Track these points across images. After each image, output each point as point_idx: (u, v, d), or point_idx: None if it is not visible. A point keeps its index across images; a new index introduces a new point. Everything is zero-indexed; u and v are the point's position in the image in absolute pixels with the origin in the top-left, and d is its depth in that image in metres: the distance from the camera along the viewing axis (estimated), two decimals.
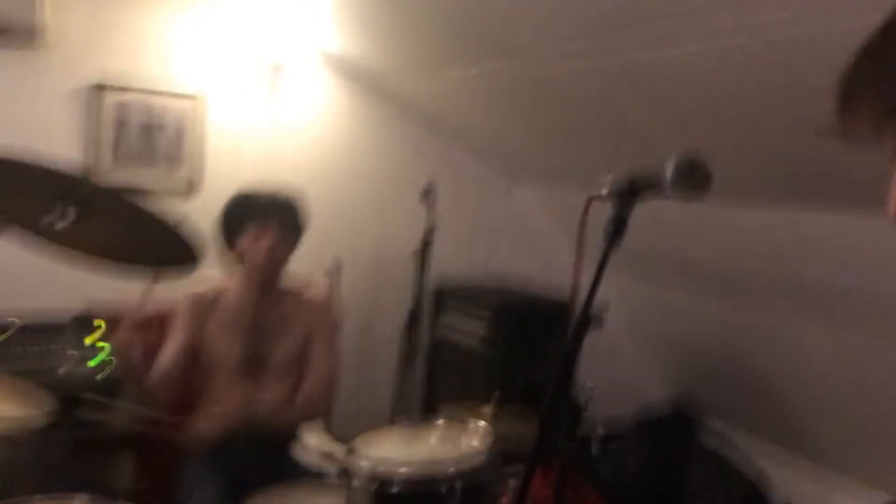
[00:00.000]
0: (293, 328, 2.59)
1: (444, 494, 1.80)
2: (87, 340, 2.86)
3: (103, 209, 1.75)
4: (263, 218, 2.46)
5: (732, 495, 3.56)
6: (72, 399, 2.48)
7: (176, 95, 3.49)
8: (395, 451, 1.95)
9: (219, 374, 2.51)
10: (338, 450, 2.30)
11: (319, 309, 2.68)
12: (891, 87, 0.57)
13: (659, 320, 4.04)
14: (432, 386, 3.97)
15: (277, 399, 2.58)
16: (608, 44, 2.27)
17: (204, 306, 2.50)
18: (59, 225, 1.73)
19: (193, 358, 2.53)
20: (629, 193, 1.47)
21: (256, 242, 2.45)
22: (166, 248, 1.95)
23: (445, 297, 3.94)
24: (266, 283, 2.52)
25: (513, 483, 2.34)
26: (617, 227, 1.48)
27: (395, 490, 1.82)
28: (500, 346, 3.18)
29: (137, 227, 1.86)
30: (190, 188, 3.55)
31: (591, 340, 1.57)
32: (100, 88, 3.34)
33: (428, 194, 3.44)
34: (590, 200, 1.54)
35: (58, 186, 1.72)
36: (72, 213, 1.74)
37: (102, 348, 2.86)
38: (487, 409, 2.77)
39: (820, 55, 1.74)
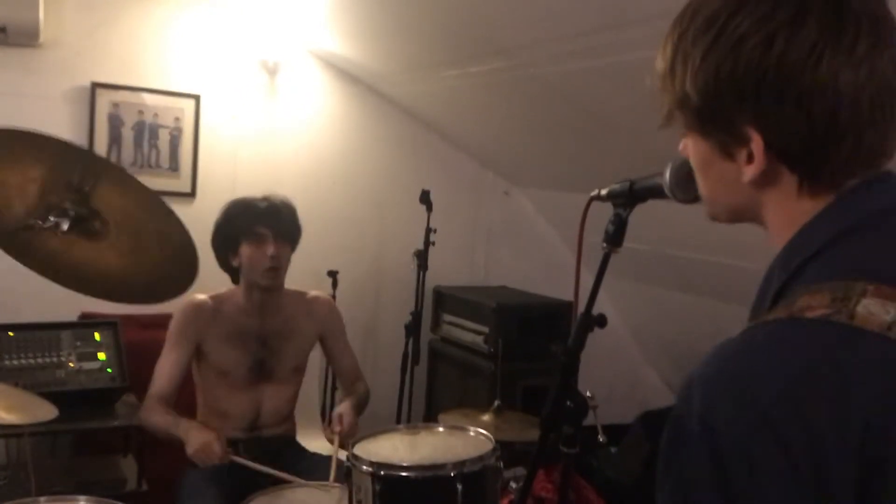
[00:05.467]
0: (301, 331, 2.59)
1: (446, 497, 1.80)
2: (87, 345, 2.87)
3: (106, 188, 1.74)
4: (263, 224, 2.44)
5: None
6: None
7: (171, 95, 3.50)
8: (397, 453, 1.96)
9: (225, 383, 2.49)
10: (339, 452, 2.31)
11: (326, 309, 2.68)
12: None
13: (659, 322, 4.04)
14: (433, 388, 3.97)
15: (283, 404, 2.59)
16: (607, 43, 2.28)
17: (204, 316, 2.47)
18: (61, 228, 1.73)
19: (192, 369, 2.53)
20: (628, 196, 1.47)
21: (258, 249, 2.43)
22: (166, 247, 1.94)
23: (446, 300, 3.94)
24: (270, 289, 2.50)
25: (514, 485, 2.35)
26: (616, 229, 1.49)
27: (396, 493, 1.83)
28: (501, 349, 3.19)
29: (137, 217, 1.85)
30: (186, 188, 3.56)
31: (592, 342, 1.58)
32: (94, 88, 3.35)
33: (426, 197, 3.45)
34: (590, 201, 1.55)
35: (64, 156, 1.71)
36: (69, 217, 1.74)
37: (102, 352, 2.87)
38: (488, 411, 2.77)
39: None
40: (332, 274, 3.53)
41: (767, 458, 0.62)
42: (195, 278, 1.94)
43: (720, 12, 0.74)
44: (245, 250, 2.44)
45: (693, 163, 0.84)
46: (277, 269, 2.44)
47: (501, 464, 1.92)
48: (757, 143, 0.74)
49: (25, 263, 1.90)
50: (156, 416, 2.37)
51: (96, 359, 2.83)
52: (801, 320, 0.67)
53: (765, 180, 0.76)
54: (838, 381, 0.63)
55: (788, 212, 0.77)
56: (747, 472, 0.63)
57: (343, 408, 2.43)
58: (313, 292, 2.70)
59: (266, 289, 2.47)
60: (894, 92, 0.72)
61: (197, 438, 2.18)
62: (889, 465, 0.61)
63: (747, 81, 0.72)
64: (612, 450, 3.60)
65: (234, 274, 2.52)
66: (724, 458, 0.64)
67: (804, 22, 0.70)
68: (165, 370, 2.43)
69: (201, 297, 2.49)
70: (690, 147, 0.83)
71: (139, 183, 1.78)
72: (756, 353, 0.68)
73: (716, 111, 0.76)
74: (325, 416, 3.46)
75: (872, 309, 0.65)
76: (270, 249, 2.42)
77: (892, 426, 0.61)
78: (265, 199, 2.50)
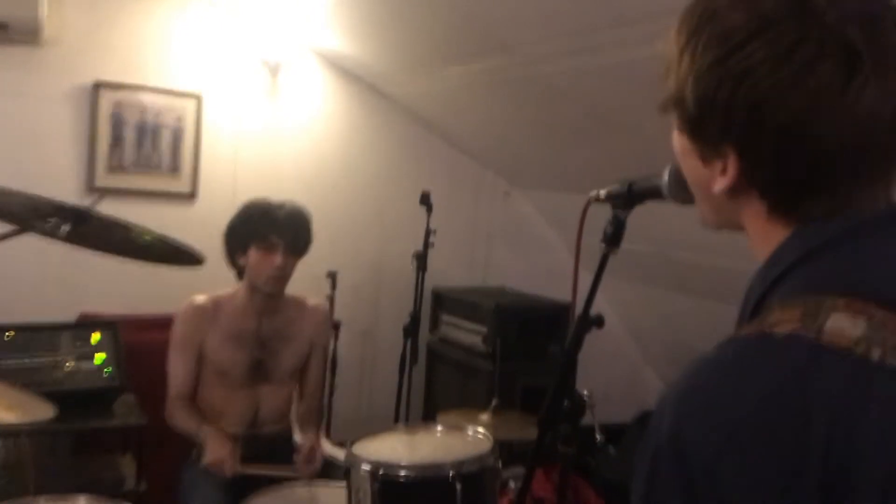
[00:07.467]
0: (298, 336, 2.62)
1: (445, 496, 1.81)
2: (86, 345, 2.87)
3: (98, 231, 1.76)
4: (277, 234, 2.44)
5: None
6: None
7: (173, 94, 3.49)
8: (396, 453, 1.96)
9: (224, 383, 2.51)
10: (338, 452, 2.31)
11: (322, 319, 2.71)
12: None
13: (658, 323, 4.04)
14: (432, 389, 3.97)
15: (281, 404, 2.60)
16: (610, 41, 2.28)
17: (204, 317, 2.50)
18: (62, 229, 1.73)
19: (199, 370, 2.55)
20: (627, 197, 1.48)
21: (266, 258, 2.44)
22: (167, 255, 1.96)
23: (445, 301, 3.94)
24: (271, 295, 2.53)
25: (512, 485, 2.35)
26: (615, 230, 1.49)
27: (395, 492, 1.83)
28: (500, 349, 3.19)
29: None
30: (187, 188, 3.55)
31: (591, 342, 1.58)
32: (97, 87, 3.34)
33: (427, 198, 3.45)
34: (588, 202, 1.55)
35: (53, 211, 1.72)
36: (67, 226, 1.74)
37: (101, 353, 2.87)
38: (487, 412, 2.77)
39: None
40: (332, 275, 3.52)
41: (736, 480, 0.63)
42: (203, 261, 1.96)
43: (739, 30, 0.72)
44: (254, 254, 2.46)
45: (675, 149, 0.85)
46: (281, 279, 2.46)
47: (500, 464, 1.93)
48: (732, 163, 0.75)
49: None
50: (180, 420, 2.47)
51: (95, 360, 2.83)
52: (770, 337, 0.67)
53: (736, 195, 0.77)
54: (804, 401, 0.63)
55: (763, 227, 0.78)
56: (717, 495, 0.63)
57: (311, 441, 2.43)
58: (312, 301, 2.72)
59: (268, 294, 2.49)
60: (883, 148, 0.72)
61: (212, 453, 2.30)
62: (853, 483, 0.61)
63: (741, 112, 0.72)
64: (612, 450, 3.60)
65: (239, 271, 2.55)
66: (693, 480, 0.65)
67: (817, 67, 0.68)
68: (179, 372, 2.50)
69: (201, 299, 2.52)
70: (675, 137, 0.84)
71: (137, 226, 1.81)
72: (725, 372, 0.68)
73: (705, 124, 0.77)
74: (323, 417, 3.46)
75: (841, 324, 0.65)
76: (279, 260, 2.43)
77: (855, 445, 0.61)
78: (283, 206, 2.49)
